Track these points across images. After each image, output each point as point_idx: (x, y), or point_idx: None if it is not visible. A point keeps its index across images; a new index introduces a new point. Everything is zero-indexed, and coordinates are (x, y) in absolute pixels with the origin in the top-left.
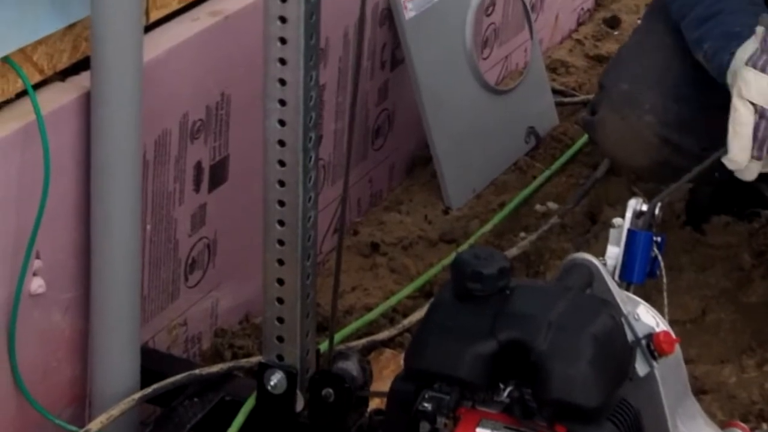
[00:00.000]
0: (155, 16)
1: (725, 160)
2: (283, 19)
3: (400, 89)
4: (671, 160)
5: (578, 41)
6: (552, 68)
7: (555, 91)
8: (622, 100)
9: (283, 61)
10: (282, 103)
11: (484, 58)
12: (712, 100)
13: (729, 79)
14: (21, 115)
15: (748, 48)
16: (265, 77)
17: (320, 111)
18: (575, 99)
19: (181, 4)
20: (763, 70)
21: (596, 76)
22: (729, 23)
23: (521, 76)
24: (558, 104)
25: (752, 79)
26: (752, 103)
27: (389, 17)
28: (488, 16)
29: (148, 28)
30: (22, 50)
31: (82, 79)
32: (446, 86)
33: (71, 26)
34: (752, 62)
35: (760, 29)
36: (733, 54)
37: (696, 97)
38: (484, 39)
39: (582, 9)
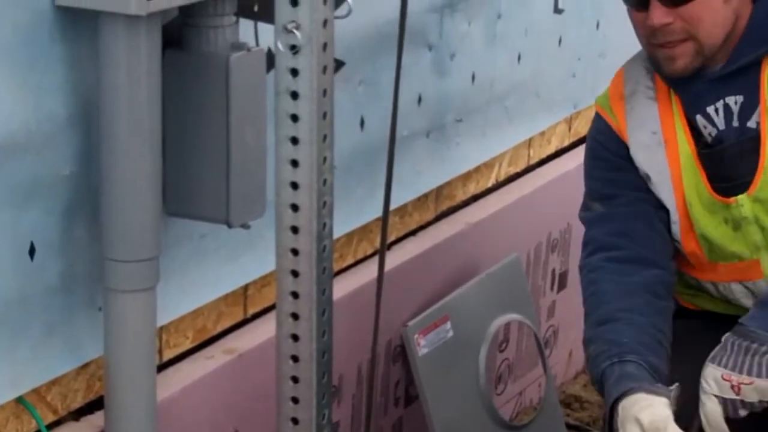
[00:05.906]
0: (168, 355)
1: None
2: (295, 359)
3: (414, 426)
4: None
5: None
6: (566, 403)
7: (569, 427)
8: None
9: (295, 400)
10: None
11: (498, 394)
12: None
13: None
14: None
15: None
16: (277, 416)
17: None
18: None
19: (194, 343)
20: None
21: None
22: (619, 332)
23: (535, 411)
24: None
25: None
26: (715, 396)
27: (402, 354)
28: (501, 351)
29: (162, 366)
30: (35, 390)
31: (97, 419)
32: (460, 423)
33: (85, 366)
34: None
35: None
36: (606, 368)
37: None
38: (498, 375)
39: None
